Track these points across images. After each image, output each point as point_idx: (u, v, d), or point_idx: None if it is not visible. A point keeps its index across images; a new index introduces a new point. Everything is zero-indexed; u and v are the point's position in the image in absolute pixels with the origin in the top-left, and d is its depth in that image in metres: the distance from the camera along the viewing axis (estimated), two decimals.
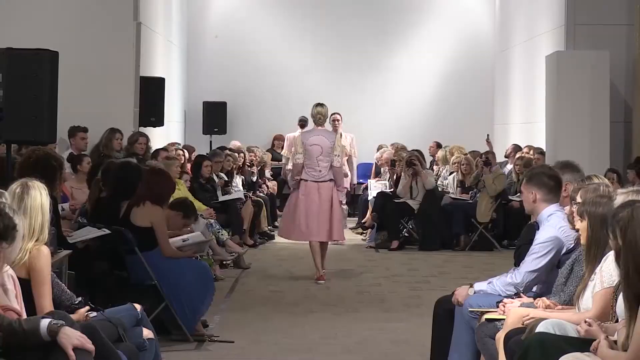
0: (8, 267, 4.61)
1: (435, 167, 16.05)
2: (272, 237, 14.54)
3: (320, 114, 10.91)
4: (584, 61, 13.12)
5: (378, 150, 16.92)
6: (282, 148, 17.77)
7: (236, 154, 14.72)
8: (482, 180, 13.58)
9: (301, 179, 10.80)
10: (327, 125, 11.28)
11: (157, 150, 12.14)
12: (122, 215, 7.79)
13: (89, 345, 4.18)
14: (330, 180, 10.80)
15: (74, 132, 11.40)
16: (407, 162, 13.84)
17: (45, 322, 4.14)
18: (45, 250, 4.97)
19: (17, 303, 4.60)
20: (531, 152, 14.36)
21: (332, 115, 13.56)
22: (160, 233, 7.68)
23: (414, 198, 13.78)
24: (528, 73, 16.25)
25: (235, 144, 16.36)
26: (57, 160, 7.21)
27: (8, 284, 4.58)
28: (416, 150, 14.48)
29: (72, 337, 4.14)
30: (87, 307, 5.09)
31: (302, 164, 10.80)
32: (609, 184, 5.77)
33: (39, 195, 5.09)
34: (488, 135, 16.46)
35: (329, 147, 10.75)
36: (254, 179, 15.57)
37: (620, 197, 4.89)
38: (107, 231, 7.48)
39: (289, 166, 13.15)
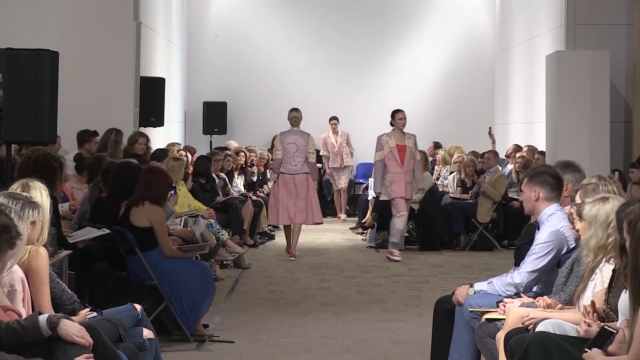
0: (18, 268, 4.62)
1: (436, 167, 16.05)
2: (273, 237, 14.55)
3: (295, 118, 12.85)
4: (584, 61, 13.11)
5: None
6: None
7: (240, 153, 14.76)
8: (482, 190, 13.55)
9: (280, 172, 12.67)
10: (303, 126, 13.01)
11: (163, 151, 12.12)
12: (121, 215, 7.79)
13: (88, 338, 4.19)
14: (305, 173, 12.66)
15: (88, 137, 11.32)
16: None
17: (44, 316, 4.17)
18: (43, 252, 4.96)
19: (22, 305, 4.60)
20: (527, 150, 14.37)
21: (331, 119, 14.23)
22: (160, 233, 7.68)
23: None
24: (528, 73, 16.25)
25: (232, 144, 16.34)
26: (57, 160, 7.21)
27: (17, 285, 4.59)
28: (420, 151, 14.44)
29: (72, 328, 4.16)
30: (87, 309, 5.10)
31: (281, 160, 12.68)
32: (608, 183, 5.76)
33: (40, 195, 5.09)
34: (490, 128, 16.48)
35: (303, 145, 12.67)
36: (254, 178, 15.59)
37: (588, 206, 4.99)
38: (107, 231, 7.49)
39: None
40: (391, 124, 12.93)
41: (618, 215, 4.32)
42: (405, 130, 12.85)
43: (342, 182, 17.80)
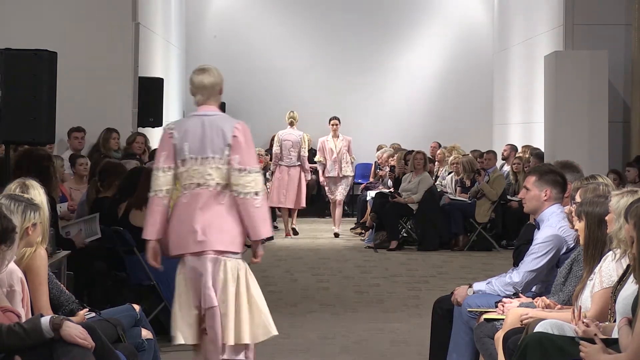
0: (17, 269, 4.61)
1: (434, 167, 16.04)
2: (271, 238, 14.50)
3: (292, 118, 15.16)
4: (583, 61, 13.11)
5: (378, 150, 16.94)
6: None
7: None
8: (480, 190, 13.54)
9: (279, 164, 15.11)
10: (301, 127, 15.13)
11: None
12: (120, 216, 7.77)
13: (90, 340, 4.19)
14: (298, 165, 15.00)
15: (71, 132, 11.42)
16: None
17: (46, 318, 4.18)
18: (43, 252, 4.96)
19: (22, 306, 4.60)
20: (527, 151, 14.37)
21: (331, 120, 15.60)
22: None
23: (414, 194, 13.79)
24: (527, 73, 16.26)
25: None
26: (49, 159, 7.19)
27: (16, 286, 4.58)
28: (419, 152, 14.44)
29: (75, 330, 4.16)
30: (86, 310, 5.09)
31: (279, 154, 15.08)
32: (609, 183, 5.74)
33: (39, 195, 5.09)
34: None
35: (298, 142, 14.98)
36: None
37: (615, 198, 4.87)
38: (96, 215, 7.51)
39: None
40: None
41: (628, 212, 4.31)
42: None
43: (338, 193, 15.41)
